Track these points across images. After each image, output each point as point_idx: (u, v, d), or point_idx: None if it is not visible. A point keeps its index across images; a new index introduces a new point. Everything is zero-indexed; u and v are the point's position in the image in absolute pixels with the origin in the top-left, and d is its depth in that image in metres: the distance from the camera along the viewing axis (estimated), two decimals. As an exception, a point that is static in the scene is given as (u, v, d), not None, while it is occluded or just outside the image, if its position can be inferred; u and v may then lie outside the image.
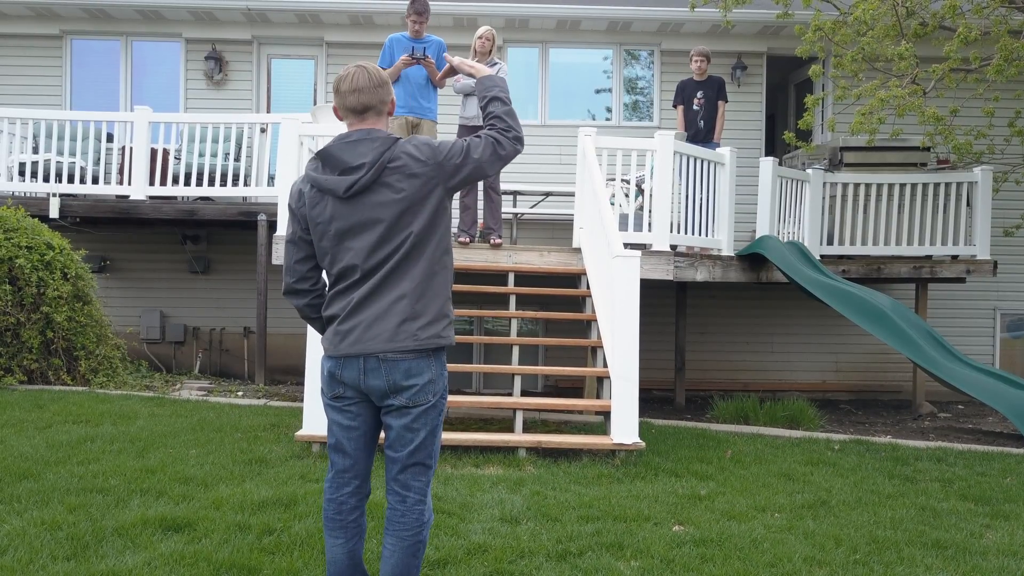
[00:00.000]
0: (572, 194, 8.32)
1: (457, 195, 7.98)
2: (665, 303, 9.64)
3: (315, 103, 10.41)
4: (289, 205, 2.83)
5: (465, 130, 7.73)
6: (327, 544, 2.87)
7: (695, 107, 8.79)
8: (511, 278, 7.34)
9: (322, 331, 2.87)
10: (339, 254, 2.74)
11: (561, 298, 7.60)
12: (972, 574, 3.70)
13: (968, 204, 9.18)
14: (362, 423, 2.81)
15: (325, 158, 2.73)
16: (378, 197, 2.69)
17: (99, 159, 9.37)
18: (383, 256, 2.70)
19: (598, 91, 11.00)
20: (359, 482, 2.86)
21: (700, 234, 7.88)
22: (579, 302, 7.48)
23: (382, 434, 2.85)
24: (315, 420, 5.53)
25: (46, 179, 9.01)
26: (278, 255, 7.42)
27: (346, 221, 2.71)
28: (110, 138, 9.75)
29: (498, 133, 2.83)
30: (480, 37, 7.68)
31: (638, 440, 5.57)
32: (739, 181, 8.64)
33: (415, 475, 2.79)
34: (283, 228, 7.41)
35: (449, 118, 8.45)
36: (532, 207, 10.23)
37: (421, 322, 2.71)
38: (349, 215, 2.71)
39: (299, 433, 5.56)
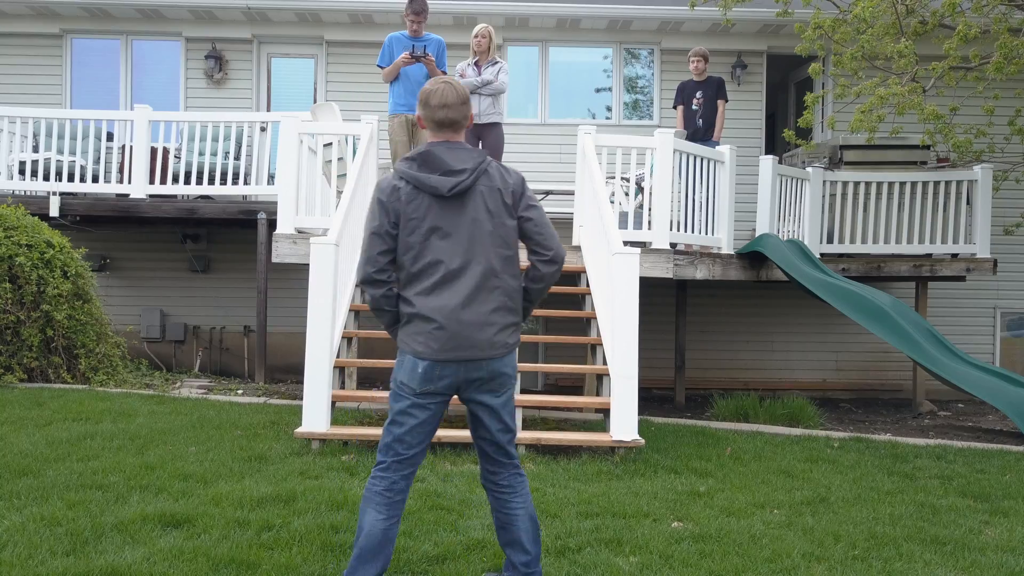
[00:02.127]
0: (572, 192, 8.32)
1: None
2: (665, 301, 9.64)
3: (315, 101, 10.41)
4: (379, 199, 2.97)
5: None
6: (369, 518, 2.97)
7: (694, 107, 8.80)
8: (511, 276, 7.32)
9: (391, 323, 3.05)
10: (425, 251, 2.94)
11: (561, 296, 7.58)
12: (971, 570, 3.70)
13: (968, 202, 9.18)
14: (436, 417, 3.03)
15: (427, 159, 2.96)
16: (471, 202, 2.97)
17: (99, 158, 9.38)
18: (471, 260, 2.95)
19: (598, 90, 11.00)
20: (414, 468, 3.06)
21: (700, 232, 7.88)
22: (579, 300, 7.48)
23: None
24: (314, 417, 5.54)
25: (46, 178, 9.02)
26: (278, 253, 7.42)
27: (439, 220, 2.94)
28: (110, 137, 9.76)
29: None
30: (476, 36, 7.67)
31: (638, 437, 5.58)
32: (739, 179, 8.64)
33: (511, 442, 3.13)
34: (285, 226, 7.41)
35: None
36: (532, 206, 10.21)
37: (510, 331, 3.04)
38: (442, 214, 2.94)
39: (298, 430, 5.56)
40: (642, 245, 7.28)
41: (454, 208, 2.95)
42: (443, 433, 5.67)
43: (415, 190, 2.94)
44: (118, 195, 9.14)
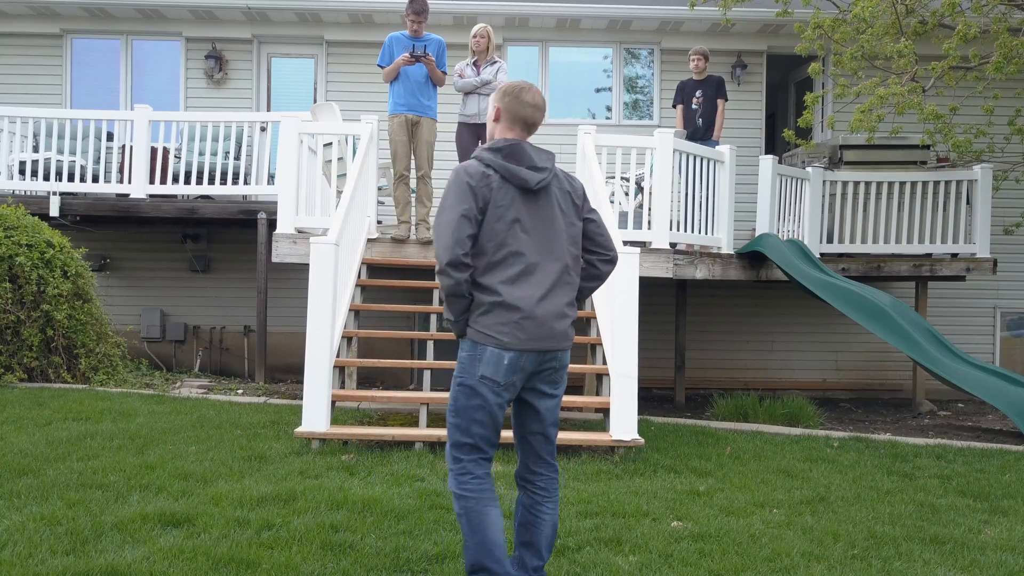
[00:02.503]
0: (572, 192, 8.32)
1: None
2: (665, 301, 9.64)
3: (315, 101, 10.41)
4: (468, 183, 2.99)
5: (465, 128, 7.73)
6: (490, 519, 2.97)
7: (694, 106, 8.80)
8: (511, 276, 7.32)
9: (462, 311, 3.03)
10: (509, 240, 3.00)
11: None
12: (970, 569, 3.70)
13: (968, 202, 9.18)
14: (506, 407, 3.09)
15: (515, 151, 3.05)
16: (548, 200, 3.09)
17: (99, 158, 9.38)
18: (547, 254, 3.05)
19: (598, 90, 11.00)
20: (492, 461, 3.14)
21: (700, 232, 7.88)
22: (579, 300, 7.47)
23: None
24: (314, 417, 5.54)
25: (46, 178, 9.02)
26: (278, 253, 7.41)
27: (521, 212, 3.02)
28: (110, 137, 9.76)
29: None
30: (475, 36, 7.68)
31: (637, 437, 5.58)
32: (739, 179, 8.64)
33: (556, 438, 3.20)
34: (285, 226, 7.41)
35: (449, 116, 8.45)
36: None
37: (573, 325, 3.16)
38: (524, 208, 3.03)
39: (298, 430, 5.56)
40: (642, 245, 7.28)
41: (534, 203, 3.05)
42: (443, 433, 5.68)
43: (503, 180, 3.01)
44: (118, 195, 9.14)
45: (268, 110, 10.54)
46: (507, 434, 5.66)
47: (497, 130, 3.16)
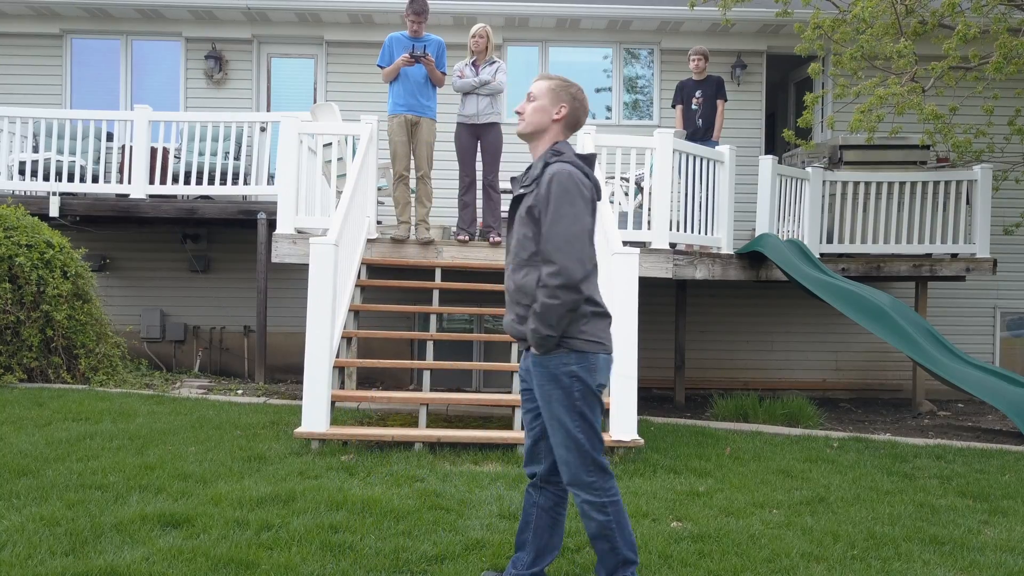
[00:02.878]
0: (572, 192, 8.30)
1: (456, 193, 7.99)
2: (665, 301, 9.64)
3: (315, 101, 10.41)
4: (591, 197, 2.95)
5: (464, 128, 7.72)
6: (627, 516, 3.07)
7: (693, 106, 8.80)
8: (510, 276, 7.31)
9: (564, 330, 2.91)
10: (595, 250, 2.98)
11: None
12: (970, 569, 3.70)
13: (968, 202, 9.18)
14: None
15: (592, 162, 3.04)
16: None
17: (99, 158, 9.39)
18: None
19: (598, 90, 11.00)
20: None
21: (700, 232, 7.89)
22: (578, 300, 7.46)
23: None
24: (314, 417, 5.54)
25: (46, 178, 9.02)
26: (278, 253, 7.42)
27: (594, 223, 2.99)
28: (110, 137, 9.77)
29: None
30: (474, 36, 7.68)
31: (637, 437, 5.58)
32: (739, 179, 8.64)
33: None
34: (285, 226, 7.41)
35: (448, 116, 8.46)
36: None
37: None
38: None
39: (298, 430, 5.56)
40: (642, 245, 7.28)
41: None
42: (443, 433, 5.69)
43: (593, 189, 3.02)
44: (118, 195, 9.14)
45: (268, 110, 10.54)
46: (512, 435, 5.68)
47: (553, 130, 3.07)
